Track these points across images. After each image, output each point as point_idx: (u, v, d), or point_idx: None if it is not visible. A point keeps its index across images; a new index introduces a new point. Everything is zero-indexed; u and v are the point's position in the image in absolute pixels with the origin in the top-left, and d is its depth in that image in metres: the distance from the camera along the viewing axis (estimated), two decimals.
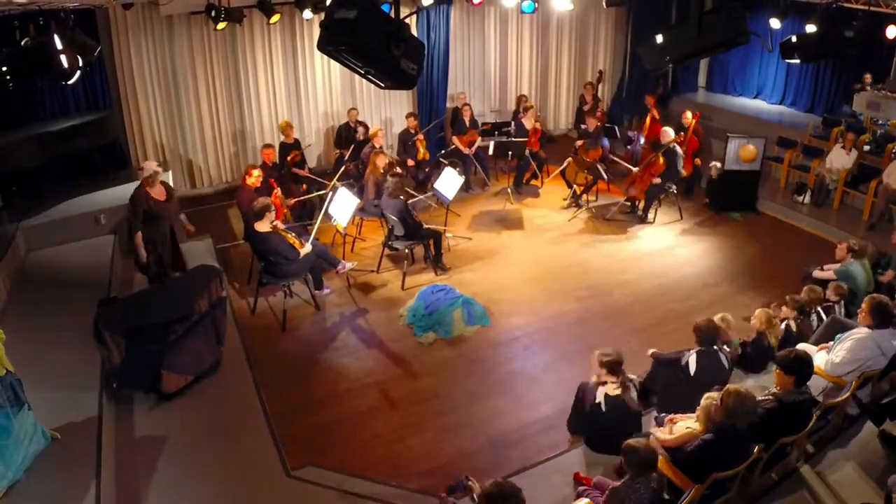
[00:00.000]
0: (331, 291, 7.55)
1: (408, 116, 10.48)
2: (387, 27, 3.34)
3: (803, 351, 4.55)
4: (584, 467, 4.87)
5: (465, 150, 10.47)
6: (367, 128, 10.00)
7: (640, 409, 4.96)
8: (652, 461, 3.69)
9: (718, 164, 9.83)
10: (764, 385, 5.04)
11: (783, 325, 5.75)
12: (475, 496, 3.41)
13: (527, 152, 10.31)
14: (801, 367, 4.29)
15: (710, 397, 4.16)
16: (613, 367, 4.75)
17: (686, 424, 4.35)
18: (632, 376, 4.98)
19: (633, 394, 4.84)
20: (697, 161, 10.25)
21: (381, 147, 9.47)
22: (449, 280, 7.91)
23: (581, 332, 6.97)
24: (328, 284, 7.69)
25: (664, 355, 5.32)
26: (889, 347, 4.85)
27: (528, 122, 10.43)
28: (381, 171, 8.52)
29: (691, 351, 5.02)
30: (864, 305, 4.95)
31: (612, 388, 4.75)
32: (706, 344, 4.95)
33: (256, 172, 7.90)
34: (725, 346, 5.14)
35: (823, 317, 5.90)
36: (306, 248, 6.96)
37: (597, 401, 4.80)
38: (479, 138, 10.60)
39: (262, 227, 6.75)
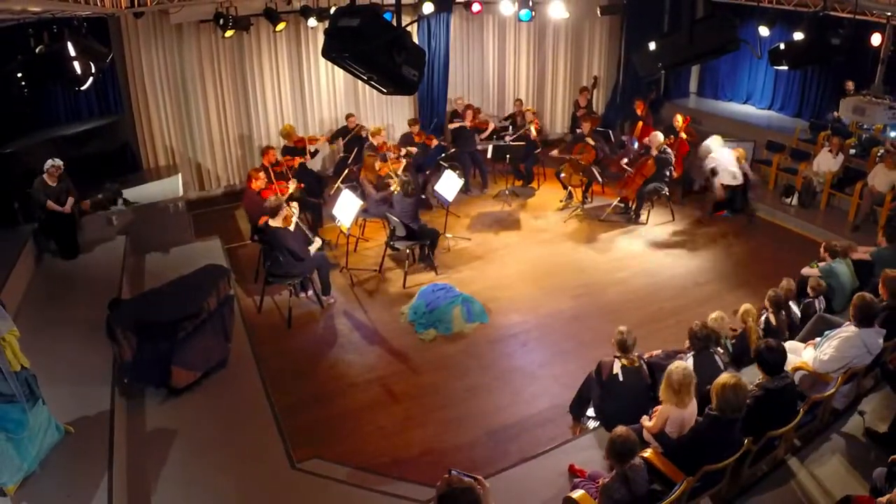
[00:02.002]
0: (335, 301, 7.54)
1: (411, 124, 10.45)
2: (389, 35, 3.34)
3: (773, 341, 4.55)
4: (579, 460, 4.87)
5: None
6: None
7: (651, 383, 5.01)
8: (630, 449, 3.70)
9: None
10: (752, 380, 5.04)
11: (762, 319, 5.77)
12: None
13: (534, 135, 10.52)
14: (770, 356, 4.31)
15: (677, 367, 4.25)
16: (622, 346, 4.89)
17: (657, 409, 4.40)
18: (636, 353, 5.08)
19: (645, 370, 4.98)
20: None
21: (382, 143, 9.48)
22: (449, 279, 7.91)
23: (576, 329, 6.97)
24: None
25: (659, 362, 5.27)
26: (874, 345, 4.85)
27: (529, 116, 10.80)
28: (375, 173, 8.56)
29: (688, 355, 5.01)
30: (852, 305, 4.93)
31: (628, 361, 4.90)
32: (703, 348, 4.94)
33: (262, 175, 7.91)
34: (719, 349, 5.13)
35: (795, 310, 5.91)
36: (315, 244, 7.09)
37: (614, 372, 4.88)
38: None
39: (275, 223, 6.82)
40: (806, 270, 6.82)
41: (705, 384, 4.53)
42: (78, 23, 6.38)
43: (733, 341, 5.51)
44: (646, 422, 4.47)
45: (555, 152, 10.38)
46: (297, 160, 9.09)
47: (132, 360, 5.43)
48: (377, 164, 8.77)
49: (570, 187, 10.17)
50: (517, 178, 10.80)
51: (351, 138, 10.04)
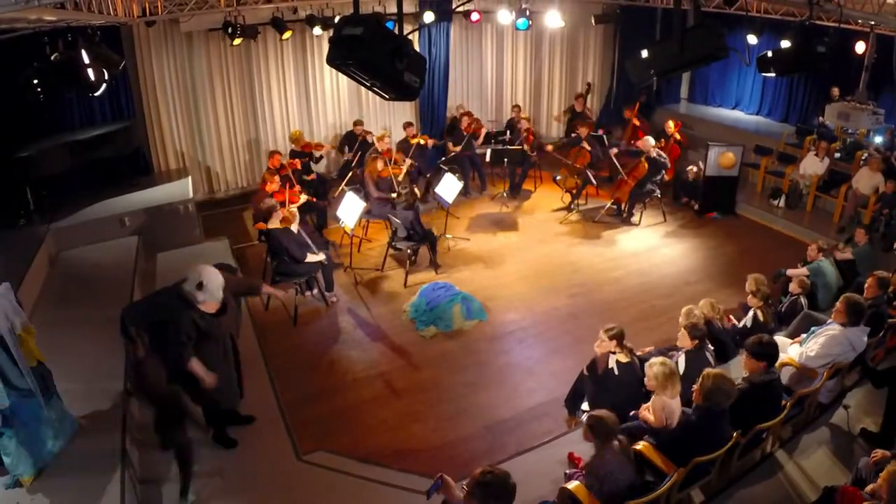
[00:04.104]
0: (337, 300, 7.52)
1: (405, 126, 10.43)
2: (391, 43, 3.34)
3: (767, 336, 4.57)
4: (575, 452, 4.87)
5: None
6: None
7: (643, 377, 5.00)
8: (613, 428, 3.74)
9: (694, 168, 9.88)
10: (737, 375, 5.04)
11: (750, 314, 5.77)
12: (457, 491, 3.32)
13: (527, 148, 10.41)
14: (767, 351, 4.34)
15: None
16: (618, 338, 4.83)
17: (651, 403, 4.39)
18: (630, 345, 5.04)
19: (637, 364, 4.94)
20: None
21: (385, 149, 9.48)
22: (449, 278, 7.91)
23: (572, 326, 6.97)
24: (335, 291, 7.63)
25: (650, 359, 5.25)
26: (859, 343, 4.86)
27: (524, 125, 10.76)
28: (376, 173, 8.58)
29: (680, 352, 5.00)
30: (839, 304, 4.92)
31: (622, 357, 4.86)
32: (699, 345, 4.94)
33: (277, 178, 7.90)
34: (710, 345, 5.13)
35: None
36: (319, 257, 7.03)
37: (609, 366, 4.86)
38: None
39: (273, 224, 6.85)
40: (791, 271, 6.83)
41: (696, 378, 4.52)
42: (92, 31, 6.37)
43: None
44: (648, 417, 4.43)
45: (549, 147, 10.32)
46: (299, 162, 9.10)
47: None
48: (379, 166, 8.77)
49: (569, 190, 10.16)
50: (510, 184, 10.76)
51: (357, 143, 10.04)
